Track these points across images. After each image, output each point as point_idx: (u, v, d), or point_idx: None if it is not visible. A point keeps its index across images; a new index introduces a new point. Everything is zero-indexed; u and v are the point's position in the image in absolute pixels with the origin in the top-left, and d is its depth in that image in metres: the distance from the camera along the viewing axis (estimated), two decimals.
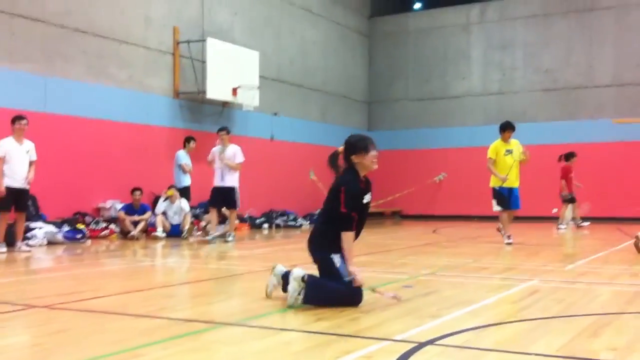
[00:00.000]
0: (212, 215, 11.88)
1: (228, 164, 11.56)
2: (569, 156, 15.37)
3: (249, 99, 15.10)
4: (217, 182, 11.72)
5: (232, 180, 11.68)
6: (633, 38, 18.84)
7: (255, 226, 15.60)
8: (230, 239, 11.48)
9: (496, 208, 10.71)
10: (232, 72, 14.75)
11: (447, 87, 21.27)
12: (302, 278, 4.78)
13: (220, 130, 11.90)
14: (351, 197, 4.78)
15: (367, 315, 4.52)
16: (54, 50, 12.07)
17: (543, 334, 3.96)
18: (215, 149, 11.79)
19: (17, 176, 9.68)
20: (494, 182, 10.72)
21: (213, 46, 14.49)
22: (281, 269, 5.14)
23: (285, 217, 16.69)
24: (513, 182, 10.68)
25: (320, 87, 19.61)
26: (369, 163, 4.84)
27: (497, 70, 20.64)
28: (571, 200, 15.16)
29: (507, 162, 10.64)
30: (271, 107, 17.30)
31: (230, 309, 4.94)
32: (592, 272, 7.10)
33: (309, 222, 17.51)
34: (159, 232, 12.27)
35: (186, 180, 13.11)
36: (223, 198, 11.73)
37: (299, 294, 4.75)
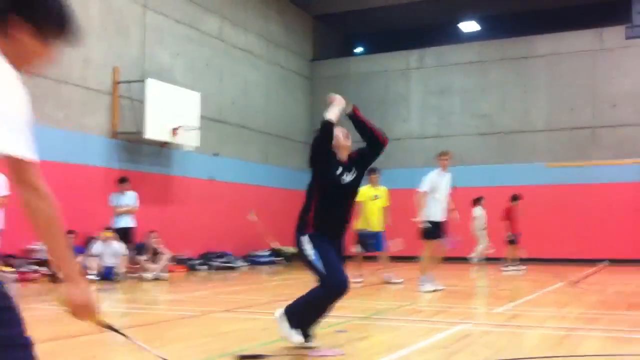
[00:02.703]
0: None
1: None
2: (514, 198, 15.85)
3: (189, 139, 15.05)
4: None
5: None
6: (565, 84, 19.67)
7: (191, 268, 15.38)
8: None
9: (356, 249, 11.36)
10: (173, 112, 14.68)
11: (387, 129, 21.41)
12: (284, 312, 4.79)
13: None
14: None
15: None
16: None
17: None
18: None
19: None
20: (358, 225, 11.24)
21: (153, 86, 14.43)
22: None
23: (223, 259, 16.52)
24: (376, 226, 11.26)
25: (261, 128, 19.70)
26: (341, 141, 4.95)
27: (435, 114, 21.17)
28: (515, 241, 15.52)
29: (372, 207, 11.26)
30: (212, 148, 17.26)
31: (165, 356, 4.83)
32: (522, 315, 7.26)
33: (247, 263, 17.41)
34: (92, 274, 11.99)
35: (120, 222, 12.91)
36: None
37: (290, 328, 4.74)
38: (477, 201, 17.24)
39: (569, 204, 18.77)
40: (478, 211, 17.14)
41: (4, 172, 9.33)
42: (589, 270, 14.88)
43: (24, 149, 1.83)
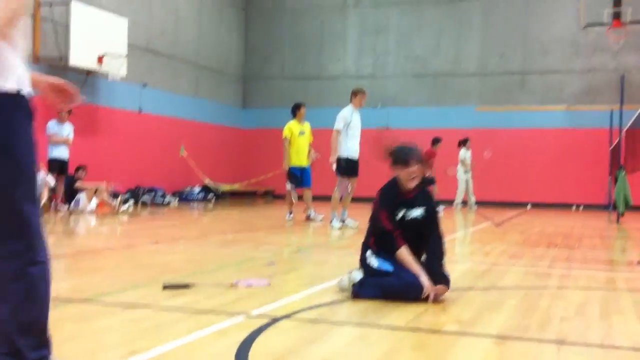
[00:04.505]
0: None
1: None
2: (435, 141, 15.98)
3: (116, 68, 14.45)
4: None
5: None
6: (497, 29, 19.84)
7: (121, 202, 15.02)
8: None
9: (288, 186, 11.45)
10: (99, 38, 14.03)
11: (322, 67, 21.45)
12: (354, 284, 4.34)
13: None
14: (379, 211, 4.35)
15: (225, 293, 4.44)
16: None
17: (394, 308, 4.05)
18: None
19: None
20: (288, 162, 11.35)
21: (78, 10, 13.70)
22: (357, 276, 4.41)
23: (153, 194, 16.21)
24: (304, 161, 11.36)
25: (192, 59, 19.13)
26: (404, 178, 4.32)
27: (371, 54, 21.06)
28: (432, 182, 15.77)
29: (300, 142, 11.30)
30: (140, 78, 16.67)
31: (82, 285, 4.69)
32: (447, 251, 7.39)
33: (177, 199, 17.16)
34: None
35: (55, 152, 12.46)
36: None
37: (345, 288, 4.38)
38: (462, 143, 17.05)
39: (497, 148, 19.15)
40: (463, 153, 17.05)
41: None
42: (513, 212, 15.35)
43: None
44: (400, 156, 4.31)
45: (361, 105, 10.39)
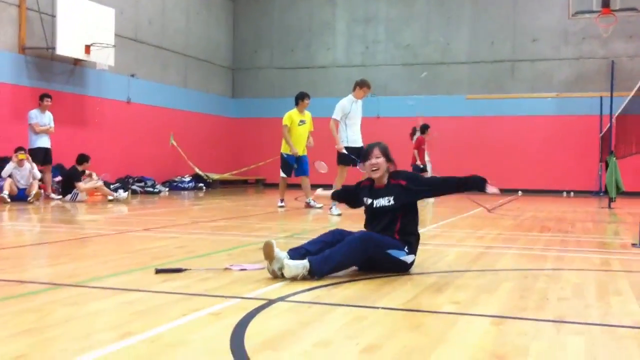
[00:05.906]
0: None
1: None
2: (423, 128, 15.95)
3: (104, 57, 14.33)
4: None
5: None
6: (487, 18, 19.81)
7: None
8: None
9: (282, 175, 11.50)
10: (85, 28, 13.89)
11: (312, 57, 21.36)
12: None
13: None
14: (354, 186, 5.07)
15: (218, 276, 4.40)
16: None
17: (390, 290, 4.02)
18: None
19: None
20: (284, 149, 11.36)
21: (64, 0, 13.56)
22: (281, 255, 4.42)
23: (142, 183, 16.11)
24: (301, 150, 11.39)
25: (181, 50, 18.99)
26: (367, 171, 4.83)
27: (361, 43, 20.99)
28: (423, 170, 15.78)
29: (299, 131, 11.29)
30: (128, 68, 16.55)
31: (73, 270, 4.62)
32: (441, 235, 7.38)
33: (167, 188, 17.07)
34: (5, 195, 11.58)
35: (39, 141, 12.43)
36: None
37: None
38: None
39: (487, 136, 19.20)
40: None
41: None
42: (505, 199, 15.36)
43: None
44: (362, 154, 4.92)
45: (363, 97, 10.39)
